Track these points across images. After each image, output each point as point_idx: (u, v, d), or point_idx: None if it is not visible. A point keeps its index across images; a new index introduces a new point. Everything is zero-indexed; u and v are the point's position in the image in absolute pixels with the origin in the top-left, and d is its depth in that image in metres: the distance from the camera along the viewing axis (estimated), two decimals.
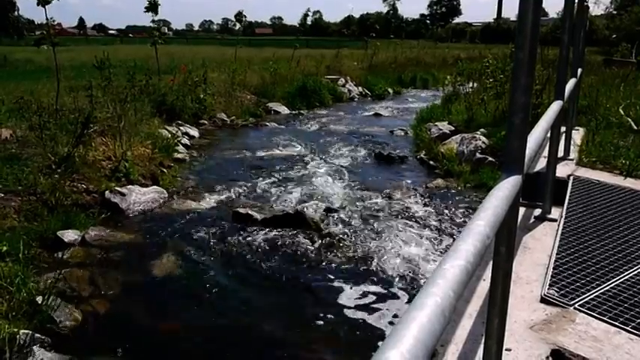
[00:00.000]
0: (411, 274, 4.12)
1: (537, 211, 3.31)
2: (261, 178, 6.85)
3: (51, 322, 3.28)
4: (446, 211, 5.51)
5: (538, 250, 2.74)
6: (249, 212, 5.28)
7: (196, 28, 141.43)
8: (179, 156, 7.75)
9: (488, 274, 1.97)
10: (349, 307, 3.67)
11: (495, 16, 76.70)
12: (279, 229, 4.97)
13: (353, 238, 4.81)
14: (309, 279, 4.12)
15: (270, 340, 3.34)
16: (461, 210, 5.51)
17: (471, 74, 11.79)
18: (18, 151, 5.89)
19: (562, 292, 2.23)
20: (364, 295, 3.83)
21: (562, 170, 4.04)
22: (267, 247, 4.65)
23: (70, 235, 4.65)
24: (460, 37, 62.57)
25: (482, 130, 7.89)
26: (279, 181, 6.72)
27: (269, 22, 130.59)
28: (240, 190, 6.31)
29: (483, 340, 1.48)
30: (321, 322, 3.50)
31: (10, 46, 26.87)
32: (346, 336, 3.35)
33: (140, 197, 5.64)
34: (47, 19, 6.76)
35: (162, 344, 3.33)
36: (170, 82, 10.60)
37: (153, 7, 10.16)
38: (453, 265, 0.75)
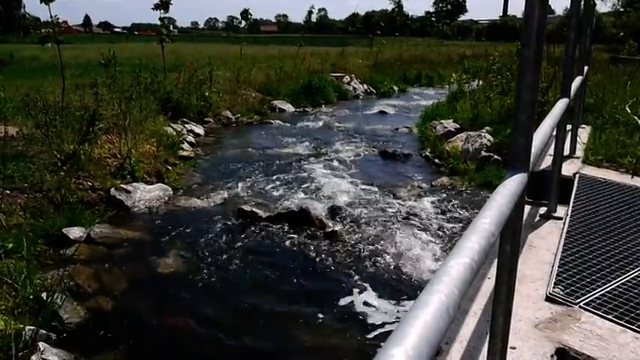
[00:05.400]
0: (415, 272, 4.12)
1: (543, 210, 3.29)
2: (266, 176, 6.85)
3: (56, 318, 3.30)
4: (451, 209, 5.49)
5: (543, 248, 2.73)
6: (254, 210, 5.29)
7: (201, 25, 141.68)
8: (184, 153, 7.77)
9: (493, 272, 1.96)
10: (353, 305, 3.67)
11: (501, 14, 76.54)
12: (283, 227, 4.98)
13: (357, 236, 4.81)
14: (313, 276, 4.13)
15: (274, 335, 3.35)
16: (466, 208, 5.50)
17: (476, 72, 11.75)
18: (24, 148, 5.92)
19: (567, 290, 2.22)
20: (368, 292, 3.83)
21: (568, 168, 4.02)
22: (272, 245, 4.66)
23: (75, 232, 4.67)
24: (466, 34, 62.40)
25: (487, 127, 7.87)
26: (284, 179, 6.72)
27: (274, 20, 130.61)
28: (245, 188, 6.32)
29: (488, 338, 1.47)
30: (325, 319, 3.50)
31: (17, 44, 26.96)
32: (350, 333, 3.35)
33: (145, 195, 5.66)
34: (51, 16, 6.78)
35: (166, 340, 3.34)
36: (175, 79, 10.62)
37: (164, 5, 10.12)
38: (458, 262, 0.75)
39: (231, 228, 5.06)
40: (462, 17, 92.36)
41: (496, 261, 1.38)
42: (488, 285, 2.17)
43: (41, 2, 6.44)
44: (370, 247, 4.58)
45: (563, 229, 2.97)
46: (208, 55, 14.66)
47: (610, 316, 2.02)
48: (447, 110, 10.53)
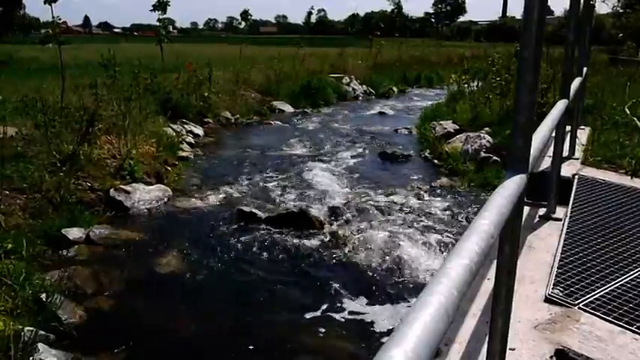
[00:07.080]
0: (414, 273, 4.11)
1: (542, 211, 3.29)
2: (265, 177, 6.85)
3: (55, 319, 3.29)
4: (450, 210, 5.49)
5: (542, 249, 2.73)
6: (253, 211, 5.29)
7: (201, 26, 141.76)
8: (183, 154, 7.76)
9: (492, 273, 1.96)
10: (352, 306, 3.67)
11: (501, 15, 76.59)
12: (283, 228, 4.97)
13: (356, 237, 4.81)
14: (312, 277, 4.12)
15: (273, 335, 3.35)
16: (465, 209, 5.50)
17: (476, 73, 11.76)
18: (23, 149, 5.90)
19: (566, 291, 2.22)
20: (367, 293, 3.83)
21: (567, 169, 4.02)
22: (271, 246, 4.65)
23: (74, 232, 4.67)
24: (465, 35, 62.47)
25: (486, 129, 7.88)
26: (284, 180, 6.72)
27: (273, 21, 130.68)
28: (245, 189, 6.32)
29: (487, 340, 1.47)
30: (324, 320, 3.50)
31: (16, 44, 26.89)
32: (349, 334, 3.35)
33: (144, 195, 5.65)
34: (53, 17, 6.77)
35: (166, 341, 3.34)
36: (175, 80, 10.61)
37: (162, 6, 10.13)
38: (457, 264, 0.75)
39: (230, 229, 5.05)
40: (462, 18, 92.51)
41: (495, 262, 1.38)
42: (488, 286, 2.16)
43: (45, 3, 6.44)
44: (369, 248, 4.58)
45: (562, 230, 2.97)
46: (208, 55, 14.65)
47: (609, 317, 2.02)
48: (447, 111, 10.54)
